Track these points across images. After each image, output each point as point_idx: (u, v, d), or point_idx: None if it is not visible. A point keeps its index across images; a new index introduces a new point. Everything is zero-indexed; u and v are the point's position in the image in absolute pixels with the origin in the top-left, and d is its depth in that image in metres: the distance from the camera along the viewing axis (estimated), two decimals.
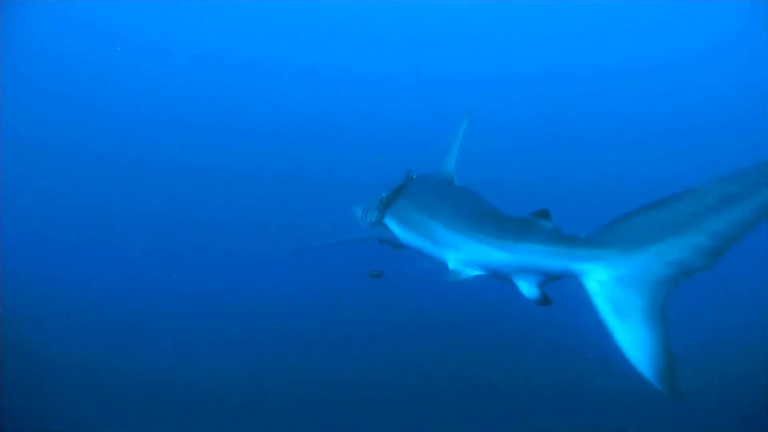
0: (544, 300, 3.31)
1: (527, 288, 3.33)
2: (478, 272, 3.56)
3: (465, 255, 3.57)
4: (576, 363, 10.55)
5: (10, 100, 23.95)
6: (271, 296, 13.58)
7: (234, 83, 34.12)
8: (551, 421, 9.19)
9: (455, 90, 33.26)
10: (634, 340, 2.69)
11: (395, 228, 4.53)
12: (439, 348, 11.06)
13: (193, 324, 12.30)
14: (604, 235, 2.91)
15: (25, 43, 27.22)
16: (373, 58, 35.54)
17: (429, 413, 9.33)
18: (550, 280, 3.26)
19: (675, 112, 31.29)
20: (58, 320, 11.97)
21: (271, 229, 17.63)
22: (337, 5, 33.23)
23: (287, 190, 22.32)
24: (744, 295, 14.83)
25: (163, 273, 14.90)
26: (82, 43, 31.24)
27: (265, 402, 9.54)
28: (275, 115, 31.80)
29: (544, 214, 3.24)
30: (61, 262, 15.31)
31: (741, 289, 15.18)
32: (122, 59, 32.20)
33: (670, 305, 2.75)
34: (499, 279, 3.50)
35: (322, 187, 21.11)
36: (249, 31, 34.97)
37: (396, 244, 4.61)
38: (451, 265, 3.68)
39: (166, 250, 16.82)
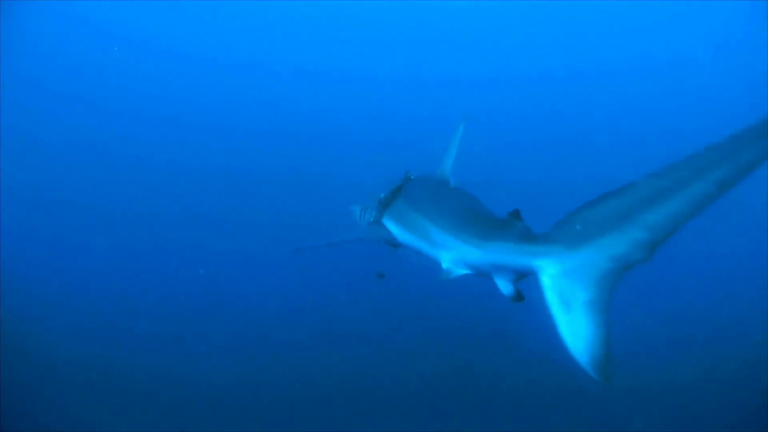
0: (518, 296, 3.48)
1: (504, 285, 3.52)
2: (466, 271, 3.76)
3: (454, 255, 3.76)
4: (578, 363, 10.52)
5: (9, 99, 23.97)
6: (271, 296, 13.56)
7: (233, 83, 34.10)
8: (553, 420, 9.20)
9: (454, 90, 33.28)
10: (575, 330, 2.84)
11: (393, 228, 4.65)
12: (439, 348, 11.04)
13: (194, 323, 12.30)
14: (556, 232, 3.08)
15: (23, 43, 27.18)
16: (372, 58, 35.55)
17: (430, 413, 9.33)
18: (520, 277, 3.42)
19: (674, 112, 31.26)
20: (58, 320, 11.96)
21: (271, 228, 17.62)
22: (337, 5, 33.24)
23: (287, 189, 22.28)
24: (744, 294, 14.85)
25: (163, 272, 14.89)
26: (79, 43, 31.22)
27: (265, 401, 9.55)
28: (273, 114, 31.77)
29: (516, 214, 3.42)
30: (59, 261, 15.28)
31: (741, 289, 15.21)
32: (118, 59, 32.22)
33: (614, 298, 2.86)
34: (482, 277, 3.70)
35: (322, 187, 21.07)
36: (248, 31, 34.97)
37: (394, 243, 4.73)
38: (444, 265, 3.87)
39: (165, 249, 16.79)
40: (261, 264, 15.05)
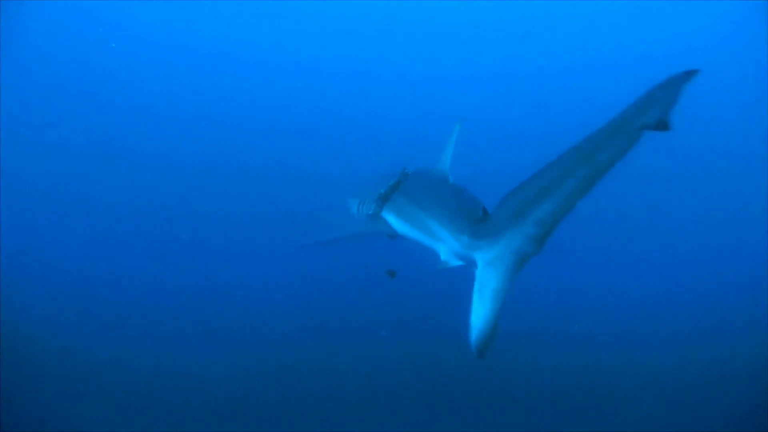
0: None
1: None
2: (459, 262, 4.03)
3: (448, 247, 4.06)
4: (584, 361, 10.60)
5: (6, 95, 23.99)
6: (270, 292, 13.52)
7: (231, 78, 34.15)
8: (556, 418, 9.19)
9: (450, 87, 33.47)
10: (479, 313, 3.21)
11: (393, 221, 4.84)
12: (443, 345, 10.96)
13: (194, 322, 12.27)
14: (485, 228, 3.44)
15: (19, 39, 27.12)
16: (371, 55, 35.67)
17: (432, 412, 9.32)
18: None
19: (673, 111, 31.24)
20: (57, 319, 11.95)
21: (268, 224, 17.63)
22: (337, 5, 33.30)
23: (283, 185, 22.29)
24: (745, 293, 14.86)
25: (163, 270, 14.85)
26: (76, 38, 31.22)
27: (265, 400, 9.53)
28: (272, 110, 31.85)
29: (484, 211, 3.71)
30: (58, 259, 15.23)
31: (742, 287, 15.22)
32: (116, 54, 32.29)
33: (513, 287, 3.24)
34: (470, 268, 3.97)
35: (318, 182, 21.07)
36: (246, 26, 35.05)
37: (392, 235, 4.91)
38: (442, 256, 4.16)
39: (163, 245, 16.75)
40: (261, 260, 15.05)
